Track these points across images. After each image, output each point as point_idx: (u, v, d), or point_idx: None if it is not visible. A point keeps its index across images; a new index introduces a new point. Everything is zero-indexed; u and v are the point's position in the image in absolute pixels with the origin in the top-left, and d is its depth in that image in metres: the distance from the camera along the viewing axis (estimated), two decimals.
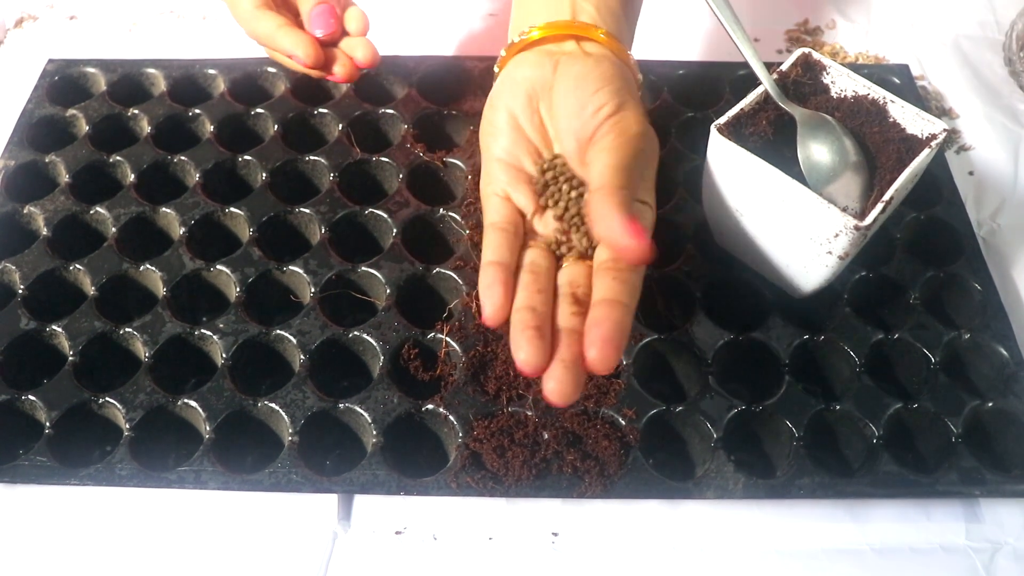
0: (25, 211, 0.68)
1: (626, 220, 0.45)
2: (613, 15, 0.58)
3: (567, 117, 0.53)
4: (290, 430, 0.56)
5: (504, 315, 0.47)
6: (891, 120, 0.57)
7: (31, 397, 0.58)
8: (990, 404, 0.58)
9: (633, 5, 0.63)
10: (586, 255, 0.50)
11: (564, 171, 0.52)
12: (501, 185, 0.53)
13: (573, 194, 0.52)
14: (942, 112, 0.80)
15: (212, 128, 0.73)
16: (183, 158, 0.71)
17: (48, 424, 0.57)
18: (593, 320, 0.45)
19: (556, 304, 0.48)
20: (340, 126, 0.72)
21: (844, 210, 0.52)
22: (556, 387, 0.43)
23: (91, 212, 0.68)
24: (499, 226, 0.51)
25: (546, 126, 0.54)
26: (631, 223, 0.45)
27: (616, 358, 0.44)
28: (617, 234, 0.45)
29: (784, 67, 0.59)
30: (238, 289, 0.63)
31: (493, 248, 0.50)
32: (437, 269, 0.64)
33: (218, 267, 0.64)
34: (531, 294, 0.47)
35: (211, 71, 0.78)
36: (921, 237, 0.67)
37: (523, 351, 0.44)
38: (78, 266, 0.64)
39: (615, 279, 0.47)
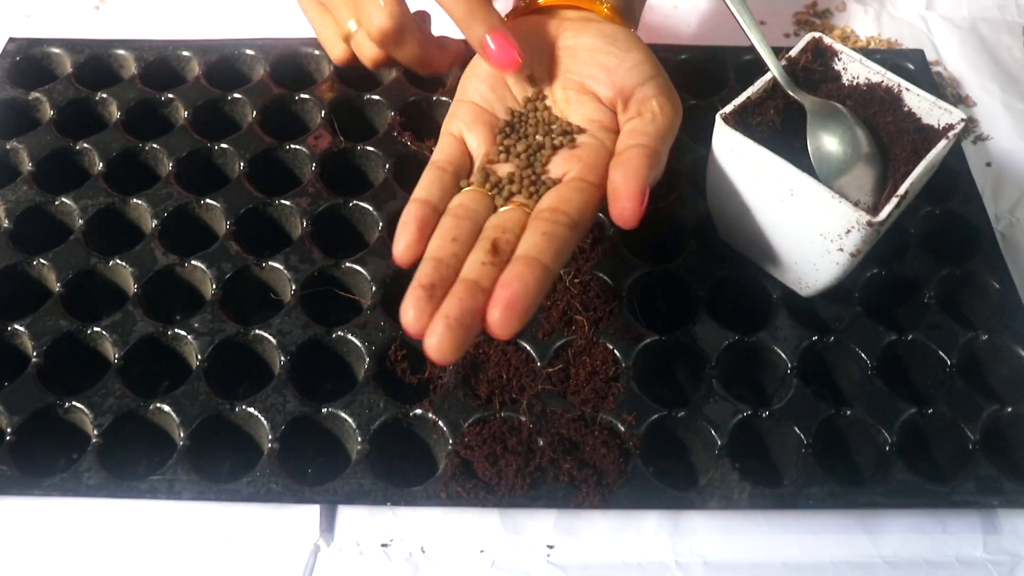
0: None
1: (645, 187, 0.49)
2: None
3: (601, 67, 0.55)
4: (270, 436, 0.56)
5: (414, 256, 0.48)
6: (906, 109, 0.57)
7: None
8: (1009, 409, 0.58)
9: None
10: (528, 196, 0.51)
11: (541, 115, 0.55)
12: (458, 124, 0.55)
13: (539, 137, 0.53)
14: (958, 100, 0.80)
15: (186, 114, 0.73)
16: (155, 146, 0.70)
17: (9, 430, 0.56)
18: (505, 279, 0.45)
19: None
20: (323, 113, 0.72)
21: (856, 204, 0.52)
22: (435, 344, 0.43)
23: (56, 203, 0.67)
24: (439, 164, 0.52)
25: (533, 81, 0.56)
26: (645, 192, 0.49)
27: (518, 327, 0.44)
28: (629, 194, 0.48)
29: (793, 53, 0.59)
30: (214, 286, 0.63)
31: (423, 185, 0.51)
32: None
33: (193, 263, 0.64)
34: (444, 242, 0.48)
35: (185, 53, 0.77)
36: (936, 232, 0.67)
37: (409, 311, 0.45)
38: (42, 261, 0.64)
39: (546, 233, 0.47)
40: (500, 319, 0.44)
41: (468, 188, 0.52)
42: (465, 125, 0.54)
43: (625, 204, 0.48)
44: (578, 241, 0.50)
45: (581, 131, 0.54)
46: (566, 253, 0.48)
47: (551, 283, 0.47)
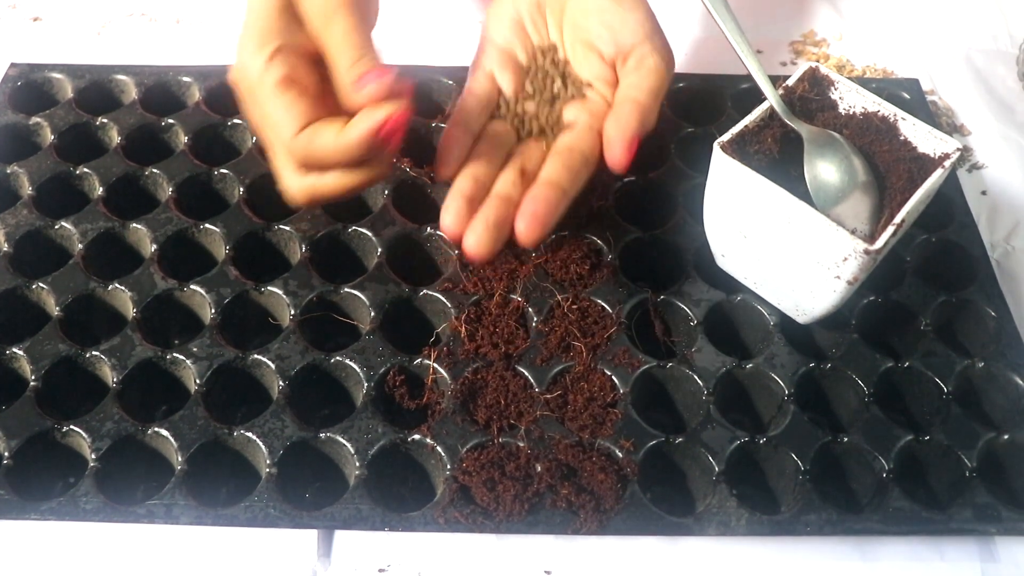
0: None
1: (634, 138, 0.58)
2: None
3: (606, 26, 0.62)
4: (268, 461, 0.56)
5: (455, 172, 0.58)
6: (902, 138, 0.58)
7: None
8: (1006, 437, 0.59)
9: None
10: (544, 135, 0.61)
11: (556, 63, 0.64)
12: (491, 63, 0.64)
13: (556, 83, 0.63)
14: (953, 129, 0.81)
15: (186, 139, 0.73)
16: (155, 171, 0.71)
17: (7, 454, 0.56)
18: (532, 196, 0.56)
19: (501, 172, 0.59)
20: None
21: (853, 233, 0.52)
22: (474, 241, 0.54)
23: (56, 227, 0.68)
24: (474, 93, 0.62)
25: (549, 30, 0.65)
26: (634, 142, 0.58)
27: (541, 236, 0.55)
28: (619, 143, 0.58)
29: (790, 82, 0.60)
30: (213, 311, 0.63)
31: (463, 111, 0.61)
32: (424, 291, 0.64)
33: (192, 287, 0.64)
34: (480, 163, 0.58)
35: (185, 78, 0.78)
36: (932, 260, 0.68)
37: (449, 215, 0.55)
38: (41, 285, 0.64)
39: (564, 165, 0.58)
40: (527, 228, 0.55)
41: (498, 120, 0.62)
42: (497, 66, 0.63)
43: (616, 151, 0.58)
44: (589, 176, 0.59)
45: (589, 86, 0.63)
46: (579, 183, 0.58)
47: (567, 206, 0.57)
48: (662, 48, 0.62)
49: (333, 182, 0.54)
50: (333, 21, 0.52)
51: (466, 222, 0.55)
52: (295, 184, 0.55)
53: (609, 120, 0.59)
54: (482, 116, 0.61)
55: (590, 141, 0.60)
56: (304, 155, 0.53)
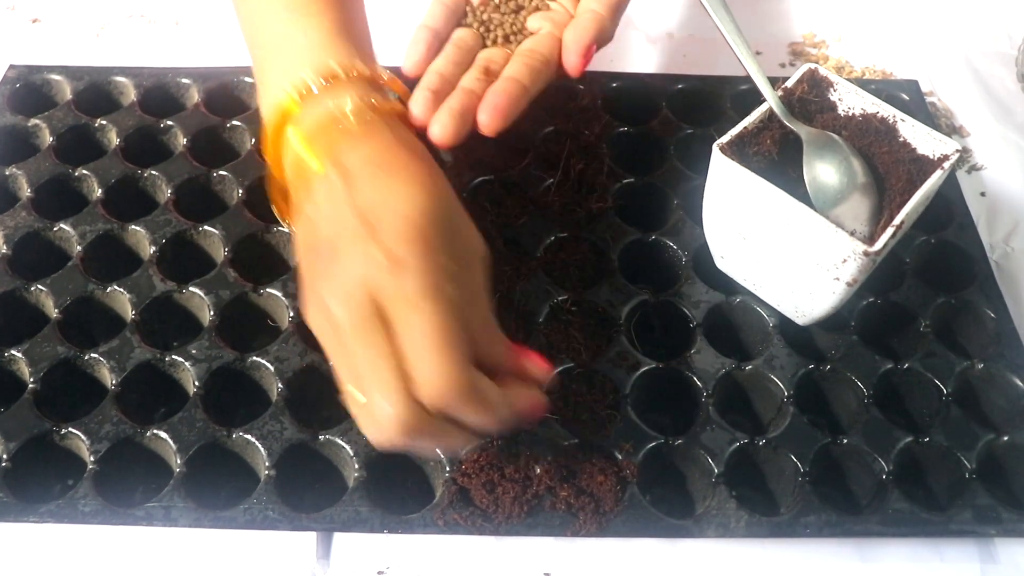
0: None
1: (590, 46, 0.61)
2: None
3: None
4: (267, 463, 0.56)
5: (421, 70, 0.59)
6: (901, 140, 0.58)
7: None
8: (1005, 438, 0.59)
9: None
10: (508, 42, 0.63)
11: None
12: None
13: None
14: (952, 130, 0.81)
15: (185, 141, 0.73)
16: (154, 173, 0.71)
17: (5, 457, 0.56)
18: (494, 89, 0.57)
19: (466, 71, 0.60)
20: None
21: (852, 234, 0.53)
22: (439, 129, 0.55)
23: (55, 229, 0.68)
24: (443, 1, 0.63)
25: None
26: (590, 50, 0.61)
27: (502, 125, 0.56)
28: (576, 49, 0.61)
29: (789, 83, 0.60)
30: (212, 313, 0.63)
31: (431, 16, 0.62)
32: None
33: (191, 289, 0.64)
34: (447, 63, 0.60)
35: (184, 80, 0.78)
36: (931, 261, 0.68)
37: (416, 104, 0.56)
38: (40, 287, 0.64)
39: (526, 64, 0.60)
40: (489, 118, 0.56)
41: (465, 27, 0.63)
42: None
43: (572, 57, 0.61)
44: (548, 78, 0.61)
45: None
46: (540, 82, 0.60)
47: (527, 101, 0.58)
48: None
49: (444, 431, 0.46)
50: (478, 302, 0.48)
51: (431, 112, 0.56)
52: (406, 413, 0.44)
53: (568, 28, 0.62)
54: (450, 22, 0.63)
55: (551, 46, 0.62)
56: (456, 396, 0.44)
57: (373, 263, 0.45)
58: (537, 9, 0.65)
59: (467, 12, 0.65)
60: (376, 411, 0.44)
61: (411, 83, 0.58)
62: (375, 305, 0.45)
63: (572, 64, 0.61)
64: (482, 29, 0.64)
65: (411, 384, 0.44)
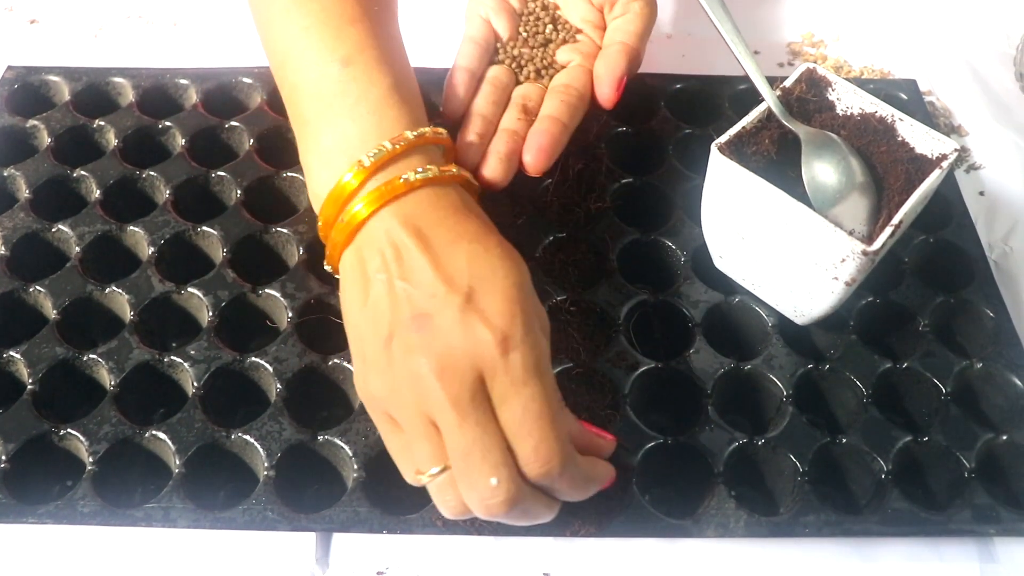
0: None
1: (622, 77, 0.64)
2: None
3: None
4: (265, 464, 0.56)
5: (461, 111, 0.63)
6: (899, 139, 0.58)
7: None
8: (1004, 437, 0.59)
9: None
10: (540, 76, 0.66)
11: (546, 8, 0.70)
12: (486, 8, 0.68)
13: (548, 28, 0.69)
14: (951, 129, 0.81)
15: (184, 142, 0.73)
16: (152, 173, 0.71)
17: (3, 458, 0.56)
18: (536, 130, 0.61)
19: (505, 111, 0.64)
20: None
21: (851, 234, 0.53)
22: (490, 173, 0.59)
23: (53, 230, 0.68)
24: (474, 40, 0.66)
25: None
26: (622, 81, 0.64)
27: (547, 165, 0.60)
28: (609, 82, 0.64)
29: (788, 83, 0.60)
30: (210, 313, 0.63)
31: (465, 56, 0.65)
32: None
33: (189, 290, 0.64)
34: (487, 104, 0.63)
35: (183, 81, 0.78)
36: (930, 261, 0.68)
37: (471, 152, 0.59)
38: (39, 288, 0.64)
39: (563, 102, 0.63)
40: (533, 159, 0.60)
41: (497, 64, 0.66)
42: (492, 11, 0.68)
43: (605, 90, 0.64)
44: (584, 111, 0.65)
45: (579, 31, 0.69)
46: (577, 117, 0.63)
47: (568, 138, 0.62)
48: None
49: (542, 504, 0.48)
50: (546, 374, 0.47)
51: (479, 157, 0.59)
52: (515, 488, 0.45)
53: (599, 60, 0.65)
54: (483, 60, 0.66)
55: (584, 79, 0.65)
56: (560, 471, 0.45)
57: (479, 340, 0.45)
58: (565, 42, 0.68)
59: (497, 49, 0.67)
60: (481, 487, 0.44)
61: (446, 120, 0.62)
62: (481, 382, 0.45)
63: (606, 97, 0.64)
64: (514, 65, 0.67)
65: (517, 459, 0.45)
